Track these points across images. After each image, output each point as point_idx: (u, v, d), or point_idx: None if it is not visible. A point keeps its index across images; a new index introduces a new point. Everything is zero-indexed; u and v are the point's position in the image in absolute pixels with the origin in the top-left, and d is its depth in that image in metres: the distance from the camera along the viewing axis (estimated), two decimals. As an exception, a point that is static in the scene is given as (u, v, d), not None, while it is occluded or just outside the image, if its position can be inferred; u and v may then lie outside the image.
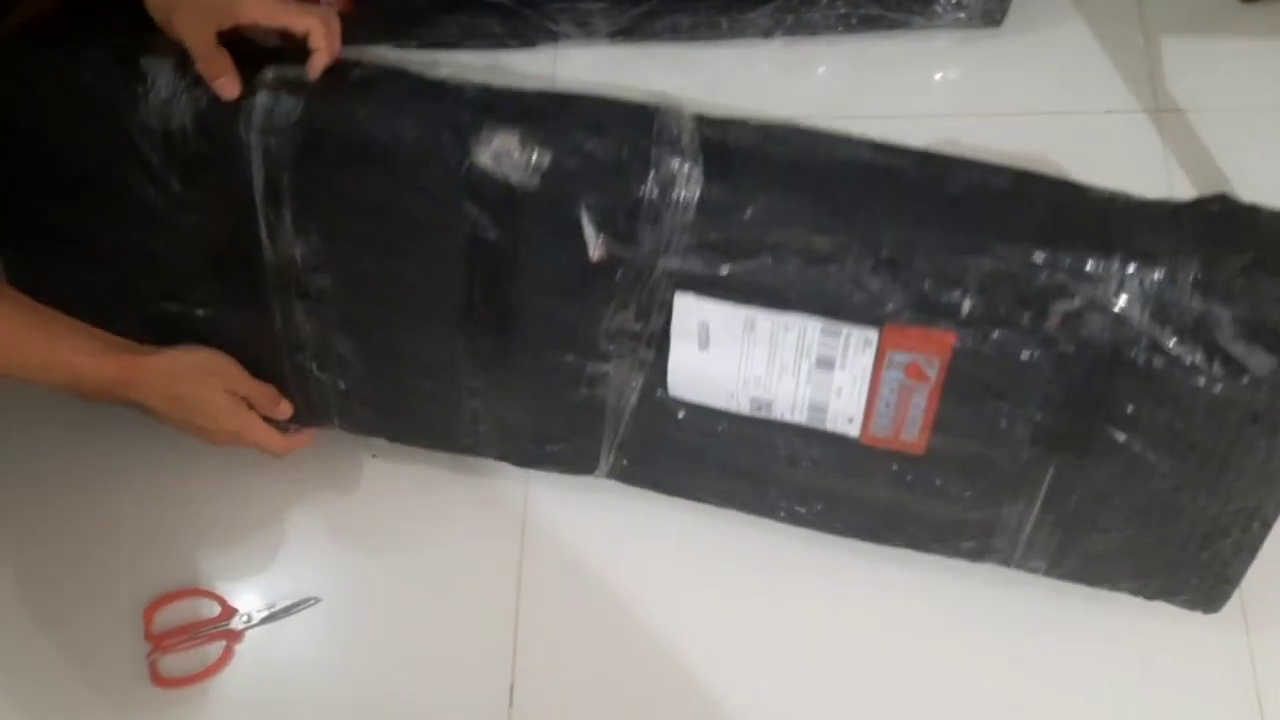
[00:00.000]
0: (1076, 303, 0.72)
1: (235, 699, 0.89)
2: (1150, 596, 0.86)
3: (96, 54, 0.83)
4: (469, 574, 0.92)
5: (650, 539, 0.92)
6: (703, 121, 0.79)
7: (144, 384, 0.83)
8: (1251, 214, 0.75)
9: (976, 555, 0.87)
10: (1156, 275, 0.71)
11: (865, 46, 1.11)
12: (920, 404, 0.78)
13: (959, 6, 1.07)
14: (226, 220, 0.83)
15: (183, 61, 0.79)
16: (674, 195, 0.75)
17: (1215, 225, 0.74)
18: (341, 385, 0.90)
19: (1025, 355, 0.75)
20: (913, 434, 0.80)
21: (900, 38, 1.10)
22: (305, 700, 0.89)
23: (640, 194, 0.75)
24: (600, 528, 0.93)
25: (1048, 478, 0.80)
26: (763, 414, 0.82)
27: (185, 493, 0.96)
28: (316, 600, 0.92)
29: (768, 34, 1.11)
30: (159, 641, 0.90)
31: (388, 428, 0.93)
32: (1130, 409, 0.75)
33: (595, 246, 0.77)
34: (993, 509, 0.83)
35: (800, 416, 0.81)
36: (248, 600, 0.92)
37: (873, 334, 0.76)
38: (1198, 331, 0.71)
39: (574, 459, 0.91)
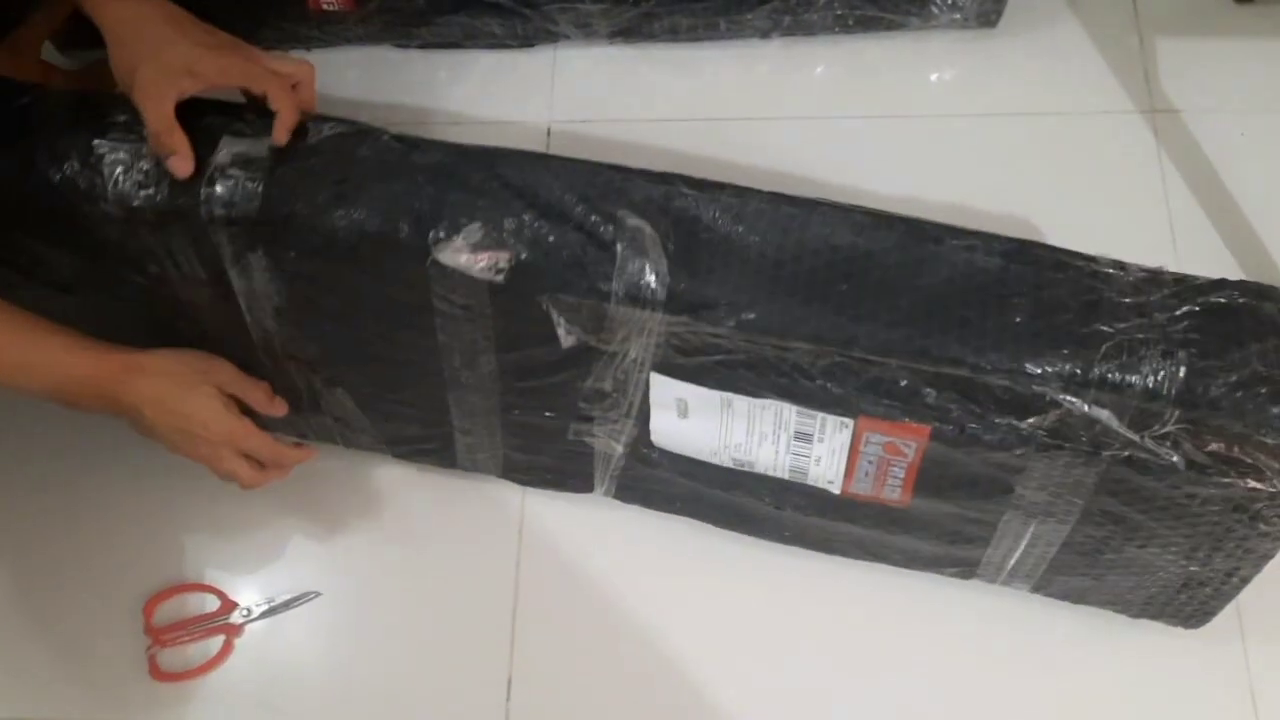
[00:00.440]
0: (1054, 413, 0.69)
1: (234, 693, 0.89)
2: (1133, 616, 0.86)
3: (58, 147, 0.77)
4: (467, 569, 0.92)
5: (645, 536, 0.92)
6: (671, 193, 0.74)
7: (132, 385, 0.77)
8: (1254, 307, 0.69)
9: (962, 577, 0.88)
10: (1138, 389, 0.67)
11: (862, 47, 1.11)
12: (899, 474, 0.77)
13: (954, 8, 1.07)
14: (206, 296, 0.82)
15: (136, 150, 0.76)
16: (641, 294, 0.71)
17: (1211, 322, 0.68)
18: (339, 422, 0.92)
19: (1003, 447, 0.72)
20: (894, 495, 0.79)
21: (897, 39, 1.11)
22: (304, 694, 0.89)
23: (606, 290, 0.72)
24: (596, 524, 0.93)
25: (1029, 533, 0.80)
26: (745, 469, 0.82)
27: (185, 487, 0.96)
28: (316, 594, 0.92)
29: (765, 35, 1.12)
30: (158, 635, 0.90)
31: (389, 450, 0.95)
32: (1111, 489, 0.73)
33: (565, 335, 0.75)
34: (976, 550, 0.84)
35: (782, 474, 0.81)
36: (247, 594, 0.92)
37: (848, 421, 0.74)
38: (1178, 443, 0.68)
39: (570, 485, 0.93)
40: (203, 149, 0.75)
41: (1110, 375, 0.67)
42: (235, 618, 0.91)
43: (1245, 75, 1.07)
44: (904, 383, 0.71)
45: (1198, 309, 0.69)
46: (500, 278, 0.72)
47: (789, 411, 0.75)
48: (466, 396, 0.85)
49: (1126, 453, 0.69)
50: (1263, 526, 0.73)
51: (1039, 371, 0.67)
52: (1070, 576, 0.84)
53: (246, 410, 0.84)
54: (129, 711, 0.89)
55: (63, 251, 0.82)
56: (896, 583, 0.89)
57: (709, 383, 0.76)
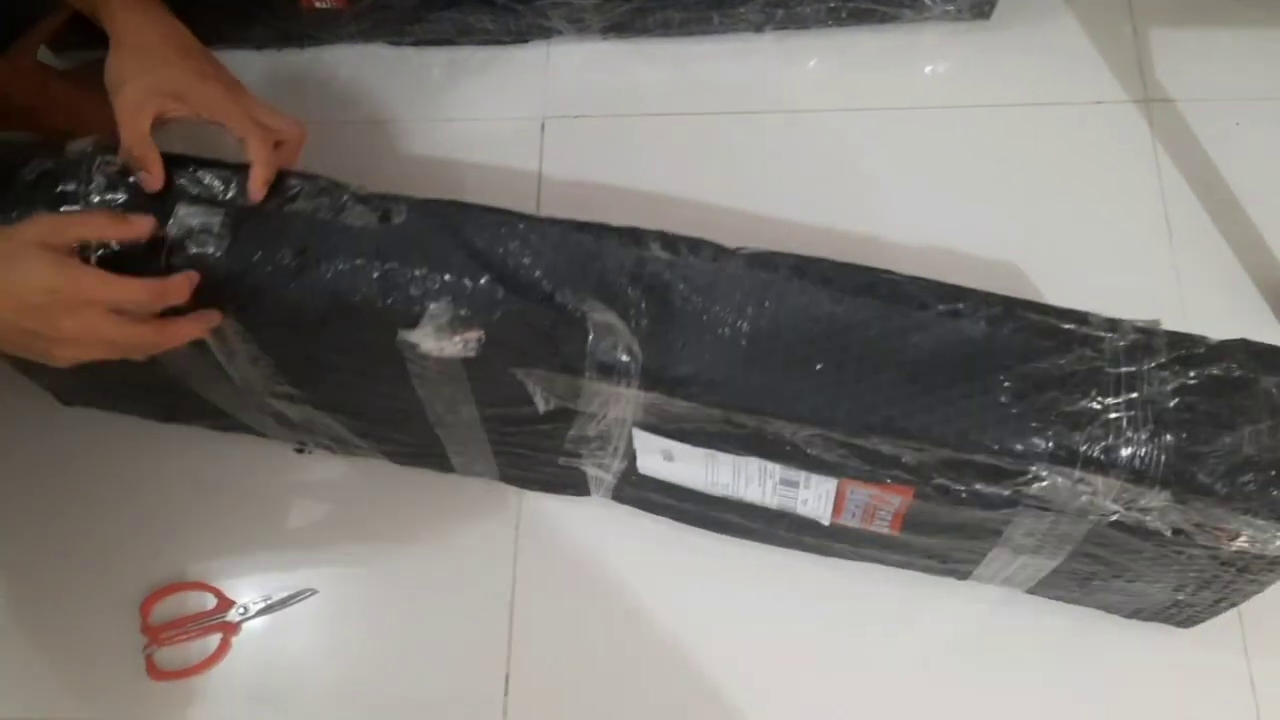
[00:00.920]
0: (1038, 485, 0.67)
1: (232, 691, 0.89)
2: (1126, 616, 0.86)
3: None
4: (465, 565, 0.92)
5: (642, 531, 0.92)
6: (644, 259, 0.71)
7: None
8: (1250, 382, 0.66)
9: (958, 578, 0.88)
10: (1124, 469, 0.65)
11: (856, 40, 1.11)
12: (887, 517, 0.77)
13: (948, 0, 1.08)
14: (183, 350, 0.77)
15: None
16: (614, 371, 0.69)
17: (1204, 400, 0.66)
18: (334, 440, 0.92)
19: (989, 507, 0.71)
20: (883, 530, 0.79)
21: (890, 31, 1.11)
22: (302, 691, 0.89)
23: (580, 366, 0.70)
24: (593, 520, 0.93)
25: (1017, 562, 0.80)
26: (735, 499, 0.81)
27: (181, 485, 0.96)
28: (313, 592, 0.92)
29: (759, 28, 1.12)
30: (155, 634, 0.90)
31: (387, 459, 0.95)
32: (1099, 540, 0.73)
33: (542, 402, 0.74)
34: (969, 566, 0.84)
35: (771, 507, 0.81)
36: (244, 592, 0.92)
37: (831, 482, 0.74)
38: (1165, 514, 0.67)
39: (568, 492, 0.93)
40: (161, 215, 0.71)
41: (1096, 455, 0.65)
42: (232, 616, 0.91)
43: (1239, 64, 1.06)
44: (886, 454, 0.69)
45: (1191, 382, 0.66)
46: (471, 352, 0.69)
47: (773, 466, 0.75)
48: (455, 432, 0.84)
49: (1114, 519, 0.68)
50: (1250, 576, 0.73)
51: (1023, 450, 0.65)
52: (1061, 590, 0.84)
53: None
54: (126, 711, 0.88)
55: None
56: (892, 577, 0.88)
57: (692, 441, 0.75)
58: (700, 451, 0.75)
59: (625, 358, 0.68)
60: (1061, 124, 1.06)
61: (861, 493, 0.74)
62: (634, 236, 0.72)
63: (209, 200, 0.73)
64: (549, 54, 1.13)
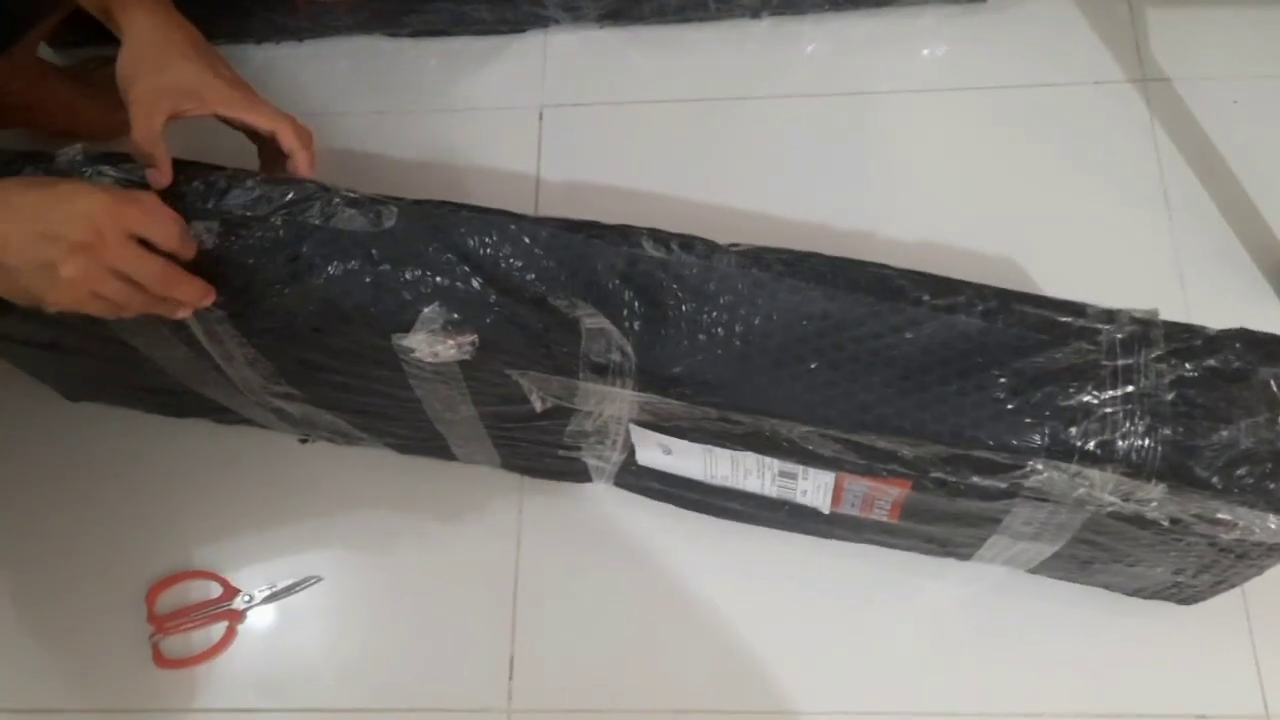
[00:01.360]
0: (1036, 478, 0.67)
1: (238, 678, 0.89)
2: (1128, 595, 0.86)
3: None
4: (469, 550, 0.92)
5: (646, 514, 0.92)
6: (635, 258, 0.71)
7: None
8: (1248, 374, 0.66)
9: (959, 559, 0.88)
10: (1121, 463, 0.65)
11: (852, 24, 1.11)
12: (885, 506, 0.77)
13: (945, -18, 1.08)
14: (181, 354, 0.81)
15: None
16: (608, 371, 0.70)
17: (1201, 394, 0.65)
18: (337, 433, 0.93)
19: (986, 498, 0.71)
20: (882, 516, 0.79)
21: (887, 15, 1.11)
22: (307, 677, 0.89)
23: (574, 367, 0.70)
24: (596, 504, 0.93)
25: (1017, 547, 0.80)
26: (735, 490, 0.82)
27: (186, 476, 0.96)
28: (317, 579, 0.93)
29: (755, 14, 1.12)
30: (161, 623, 0.91)
31: (392, 449, 0.95)
32: (1097, 528, 0.73)
33: (538, 402, 0.74)
34: (969, 550, 0.84)
35: (771, 496, 0.81)
36: (249, 581, 0.92)
37: (829, 476, 0.74)
38: (1163, 505, 0.66)
39: (570, 479, 0.93)
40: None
41: (1092, 449, 0.64)
42: (237, 604, 0.91)
43: (1236, 42, 1.05)
44: (881, 449, 0.68)
45: (1189, 375, 0.65)
46: (466, 355, 0.69)
47: (771, 459, 0.75)
48: (455, 428, 0.85)
49: (1110, 509, 0.68)
50: (1249, 561, 0.73)
51: (1019, 445, 0.65)
52: (1063, 571, 0.84)
53: None
54: (133, 699, 0.89)
55: (23, 322, 0.81)
56: (894, 559, 0.89)
57: (689, 436, 0.75)
58: (698, 447, 0.76)
59: (618, 358, 0.69)
60: (1059, 105, 1.06)
61: (859, 485, 0.74)
62: (625, 235, 0.71)
63: (203, 206, 0.73)
64: (546, 43, 1.13)
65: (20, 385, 0.99)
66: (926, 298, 0.68)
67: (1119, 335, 0.67)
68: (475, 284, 0.70)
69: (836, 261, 0.70)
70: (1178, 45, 1.06)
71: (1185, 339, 0.66)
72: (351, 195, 0.74)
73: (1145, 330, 0.67)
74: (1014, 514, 0.73)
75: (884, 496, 0.75)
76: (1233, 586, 0.79)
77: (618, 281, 0.70)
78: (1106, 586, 0.86)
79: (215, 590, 0.92)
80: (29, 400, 0.99)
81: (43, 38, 1.05)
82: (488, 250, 0.71)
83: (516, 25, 1.13)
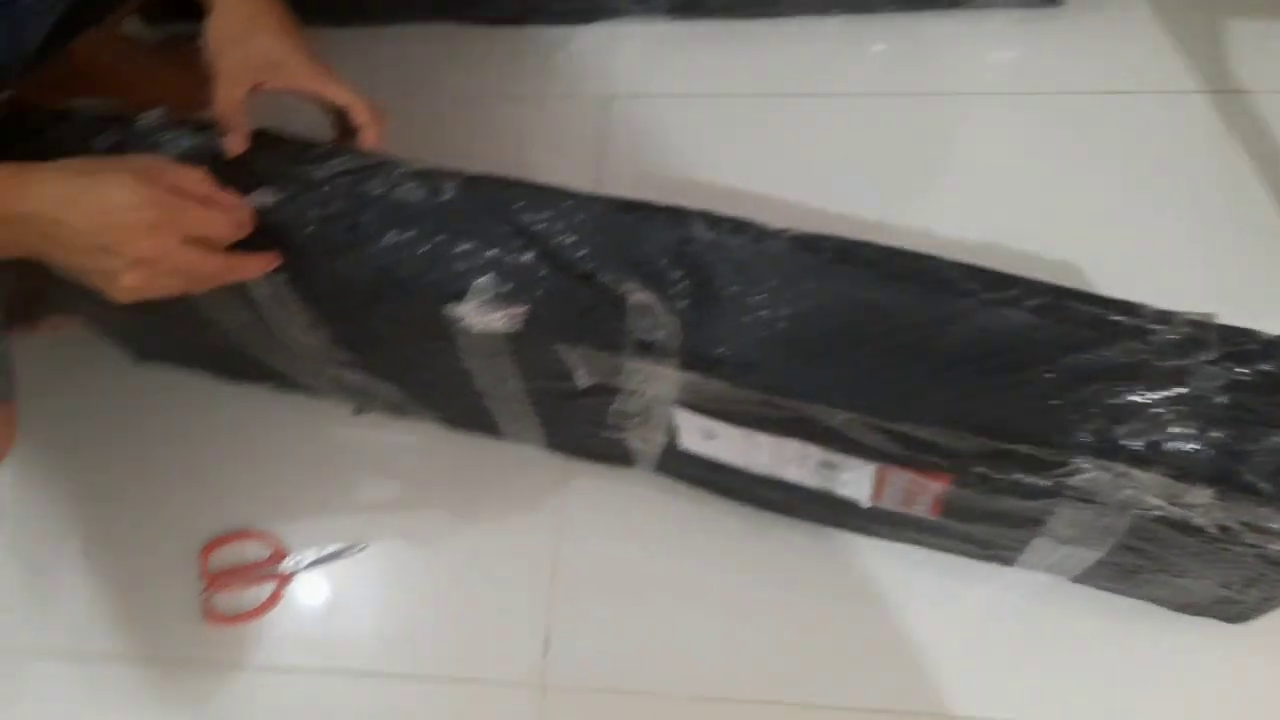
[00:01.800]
0: (1080, 477, 0.66)
1: (282, 638, 0.92)
2: (1174, 609, 0.84)
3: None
4: (511, 528, 0.94)
5: (687, 504, 0.93)
6: (685, 238, 0.71)
7: (27, 188, 0.65)
8: None
9: (1004, 563, 0.87)
10: (1169, 465, 0.63)
11: (923, 24, 1.11)
12: (926, 502, 0.76)
13: (1019, -15, 1.07)
14: (243, 318, 0.83)
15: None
16: (652, 349, 0.70)
17: (1253, 399, 0.64)
18: (390, 404, 0.95)
19: (1029, 497, 0.70)
20: (922, 512, 0.78)
21: (958, 16, 1.10)
22: (348, 642, 0.91)
23: (619, 344, 0.70)
24: (638, 489, 0.94)
25: (1060, 551, 0.79)
26: (775, 478, 0.82)
27: (245, 441, 0.99)
28: (364, 546, 0.95)
29: (825, 11, 1.12)
30: (213, 580, 0.94)
31: (441, 423, 0.97)
32: (1143, 534, 0.71)
33: (582, 378, 0.75)
34: (1011, 553, 0.83)
35: (811, 486, 0.81)
36: (299, 544, 0.95)
37: (870, 467, 0.74)
38: (1210, 512, 0.65)
39: (613, 462, 0.94)
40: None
41: (1139, 449, 0.63)
42: (286, 566, 0.94)
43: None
44: (923, 440, 0.68)
45: (1242, 379, 0.64)
46: (515, 328, 0.71)
47: (813, 448, 0.75)
48: (502, 404, 0.86)
49: (1157, 514, 0.67)
50: None
51: (1063, 441, 0.64)
52: (1108, 580, 0.83)
53: None
54: (182, 651, 0.92)
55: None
56: (935, 560, 0.88)
57: (732, 420, 0.75)
58: (740, 431, 0.76)
59: (663, 337, 0.69)
60: (1131, 114, 1.04)
61: (900, 478, 0.74)
62: (677, 216, 0.72)
63: (270, 171, 0.75)
64: (614, 34, 1.14)
65: (92, 345, 1.03)
66: (976, 290, 0.68)
67: (1172, 336, 0.65)
68: (528, 258, 0.71)
69: (887, 250, 0.70)
70: (1257, 57, 1.05)
71: (1240, 342, 0.65)
72: (413, 168, 0.75)
73: (1200, 332, 0.66)
74: (1057, 515, 0.72)
75: (925, 491, 0.75)
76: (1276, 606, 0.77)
77: (667, 260, 0.70)
78: (1153, 600, 0.84)
79: (265, 551, 0.95)
80: (99, 360, 1.03)
81: (133, 10, 1.09)
82: (541, 225, 0.72)
83: (586, 15, 1.14)
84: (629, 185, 1.06)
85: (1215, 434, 0.63)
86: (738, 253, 0.70)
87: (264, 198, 0.74)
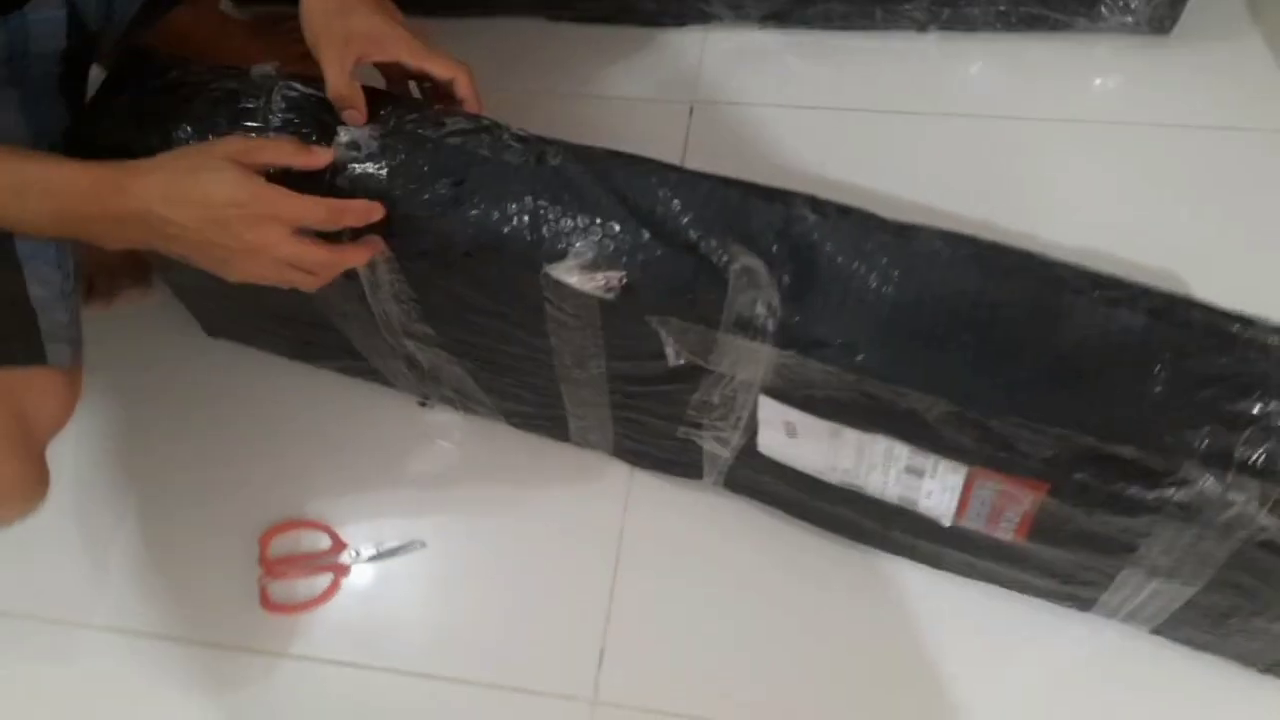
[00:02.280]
0: (1186, 489, 0.63)
1: (336, 630, 0.91)
2: (1261, 670, 0.81)
3: (184, 128, 0.79)
4: (571, 537, 0.93)
5: (752, 525, 0.91)
6: (790, 218, 0.70)
7: (135, 186, 0.69)
8: None
9: (1080, 609, 0.84)
10: None
11: (1024, 46, 1.09)
12: (1014, 519, 0.74)
13: (1126, 10, 1.04)
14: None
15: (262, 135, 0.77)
16: (751, 326, 0.69)
17: None
18: (458, 393, 0.94)
19: (1128, 513, 0.68)
20: (1007, 536, 0.76)
21: (1061, 39, 1.08)
22: (402, 639, 0.91)
23: (717, 319, 0.69)
24: (702, 508, 0.93)
25: (1149, 588, 0.76)
26: (854, 490, 0.80)
27: (309, 427, 1.00)
28: (422, 544, 0.94)
29: (923, 27, 1.10)
30: (271, 567, 0.94)
31: (505, 420, 0.97)
32: (1245, 565, 0.68)
33: (673, 355, 0.74)
34: (1093, 592, 0.80)
35: (891, 500, 0.78)
36: (358, 537, 0.95)
37: (962, 467, 0.71)
38: None
39: (679, 472, 0.93)
40: (327, 140, 0.76)
41: (1253, 460, 0.60)
42: (344, 558, 0.94)
43: None
44: (1025, 439, 0.65)
45: None
46: (611, 295, 0.71)
47: (900, 448, 0.73)
48: (578, 391, 0.86)
49: (1264, 536, 0.64)
50: None
51: (1173, 445, 0.62)
52: (1192, 630, 0.80)
53: None
54: (237, 637, 0.92)
55: None
56: (1008, 601, 0.86)
57: (818, 411, 0.73)
58: (825, 426, 0.74)
59: (763, 312, 0.68)
60: (1239, 150, 1.02)
61: (990, 486, 0.72)
62: (784, 197, 0.72)
63: (381, 129, 0.76)
64: (705, 39, 1.14)
65: (165, 320, 1.04)
66: (1088, 289, 0.66)
67: None
68: (630, 225, 0.71)
69: (996, 245, 0.69)
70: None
71: None
72: (520, 132, 0.76)
73: None
74: (1154, 537, 0.69)
75: (1014, 506, 0.72)
76: None
77: (772, 237, 0.69)
78: (1238, 658, 0.81)
79: (325, 542, 0.95)
80: (171, 334, 1.04)
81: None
82: (645, 195, 0.72)
83: (678, 19, 1.14)
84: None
85: None
86: (843, 234, 0.69)
87: (369, 153, 0.75)
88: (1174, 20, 1.05)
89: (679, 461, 0.91)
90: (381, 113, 0.77)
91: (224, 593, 0.94)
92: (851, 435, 0.74)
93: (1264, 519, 0.62)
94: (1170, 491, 0.64)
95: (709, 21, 1.13)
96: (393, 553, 0.94)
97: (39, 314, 0.76)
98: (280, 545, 0.95)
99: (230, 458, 1.00)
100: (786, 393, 0.73)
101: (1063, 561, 0.77)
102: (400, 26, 0.78)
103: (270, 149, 0.73)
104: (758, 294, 0.68)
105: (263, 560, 0.94)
